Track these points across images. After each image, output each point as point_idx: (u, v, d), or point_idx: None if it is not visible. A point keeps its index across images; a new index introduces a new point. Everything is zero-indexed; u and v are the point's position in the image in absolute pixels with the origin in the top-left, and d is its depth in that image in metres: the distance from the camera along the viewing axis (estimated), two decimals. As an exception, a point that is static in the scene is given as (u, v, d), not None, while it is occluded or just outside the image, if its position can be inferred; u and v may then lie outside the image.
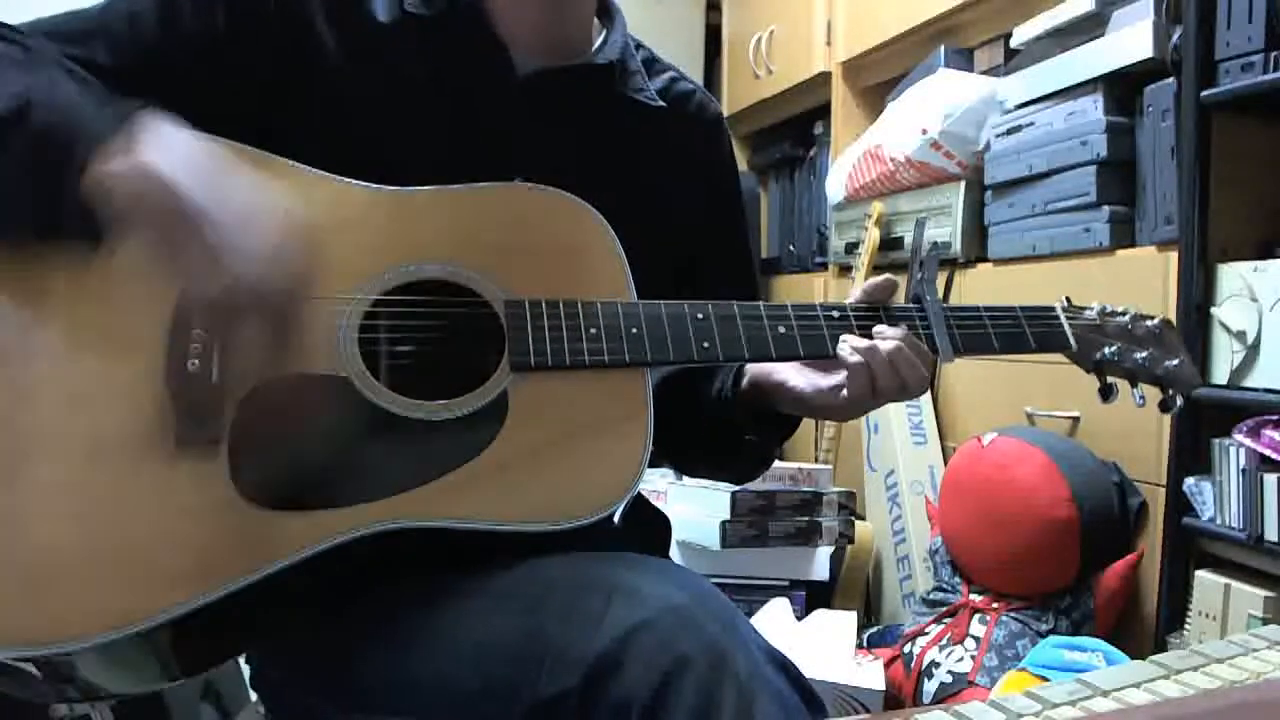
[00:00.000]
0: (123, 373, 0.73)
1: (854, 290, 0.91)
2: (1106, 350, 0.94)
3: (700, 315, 0.83)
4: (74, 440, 0.71)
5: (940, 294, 0.93)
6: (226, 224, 0.68)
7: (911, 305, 0.90)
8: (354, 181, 0.81)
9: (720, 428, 0.96)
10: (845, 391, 0.85)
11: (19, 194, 0.72)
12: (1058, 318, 0.94)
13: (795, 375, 0.90)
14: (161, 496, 0.71)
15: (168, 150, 0.70)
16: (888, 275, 0.91)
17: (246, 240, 0.68)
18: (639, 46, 1.00)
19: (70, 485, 0.70)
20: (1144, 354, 0.95)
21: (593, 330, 0.80)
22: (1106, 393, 0.94)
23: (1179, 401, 0.97)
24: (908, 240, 2.21)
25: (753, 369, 0.94)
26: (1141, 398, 0.96)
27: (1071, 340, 0.93)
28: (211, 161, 0.71)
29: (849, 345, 0.84)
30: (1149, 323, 0.98)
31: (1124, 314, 0.97)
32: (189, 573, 0.70)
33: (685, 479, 2.12)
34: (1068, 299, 0.97)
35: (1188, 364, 0.97)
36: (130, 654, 0.71)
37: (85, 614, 0.68)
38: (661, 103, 0.96)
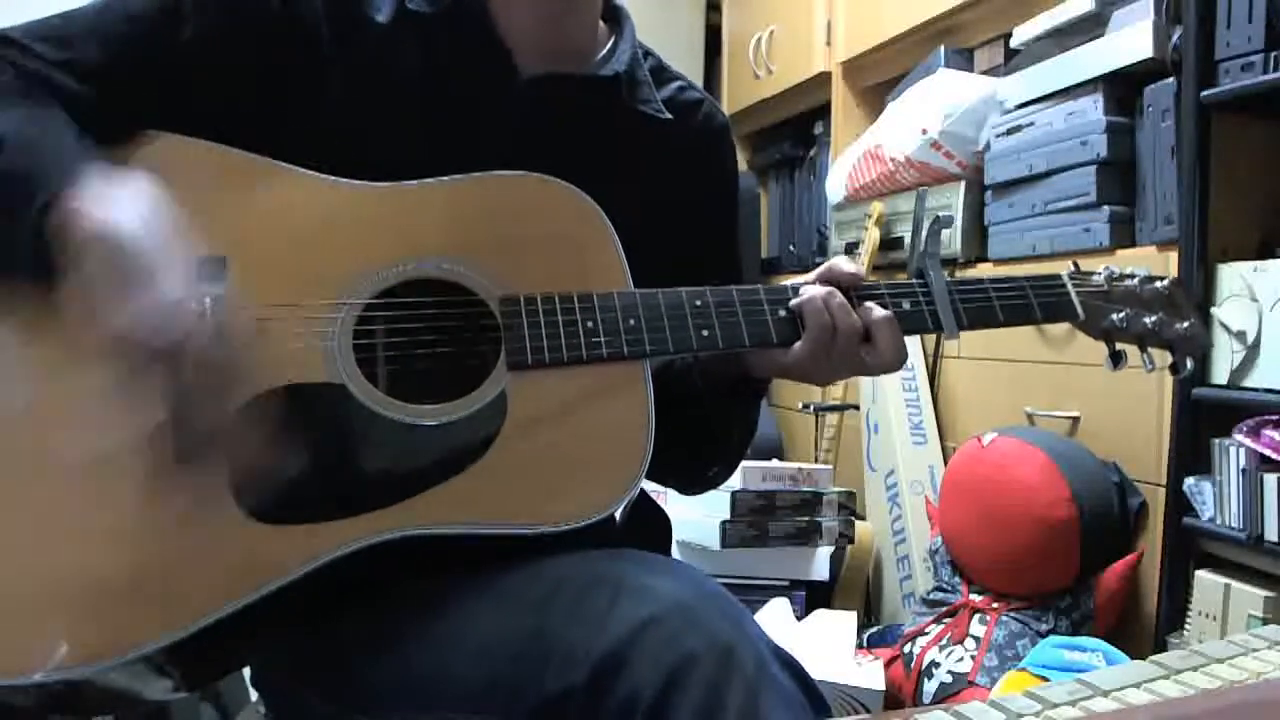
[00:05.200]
0: (118, 392, 0.71)
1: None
2: (1115, 317, 0.92)
3: (699, 302, 0.83)
4: (74, 463, 0.70)
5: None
6: (131, 274, 0.68)
7: (915, 280, 0.88)
8: (342, 180, 0.80)
9: (678, 409, 0.92)
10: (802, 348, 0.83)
11: None
12: (1064, 286, 0.92)
13: None
14: (163, 516, 0.71)
15: (122, 202, 0.70)
16: (852, 269, 0.87)
17: (143, 292, 0.67)
18: (647, 54, 0.99)
19: (70, 509, 0.70)
20: (1153, 318, 0.93)
21: (589, 324, 0.79)
22: (1116, 359, 0.92)
23: (1189, 364, 0.96)
24: (908, 240, 2.20)
25: None
26: (1151, 363, 0.94)
27: (1079, 309, 0.91)
28: (165, 209, 0.71)
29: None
30: (1158, 285, 0.95)
31: (1132, 277, 0.95)
32: (193, 593, 0.69)
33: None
34: (1075, 264, 0.95)
35: (1198, 325, 0.95)
36: (135, 672, 0.70)
37: (90, 639, 0.67)
38: (668, 114, 0.95)
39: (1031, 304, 0.90)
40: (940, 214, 2.04)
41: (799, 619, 1.87)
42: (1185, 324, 0.94)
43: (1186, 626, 1.49)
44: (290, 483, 0.74)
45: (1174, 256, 1.53)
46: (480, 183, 0.82)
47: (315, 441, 0.75)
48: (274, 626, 0.77)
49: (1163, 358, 0.96)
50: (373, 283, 0.78)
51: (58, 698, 0.70)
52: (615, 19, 0.98)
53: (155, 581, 0.69)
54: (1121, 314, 0.93)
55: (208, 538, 0.71)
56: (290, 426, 0.74)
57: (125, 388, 0.68)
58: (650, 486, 1.06)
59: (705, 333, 0.82)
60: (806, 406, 2.43)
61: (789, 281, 0.87)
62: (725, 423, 0.97)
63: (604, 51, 0.95)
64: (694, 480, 1.06)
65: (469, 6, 0.88)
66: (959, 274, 2.06)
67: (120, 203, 0.71)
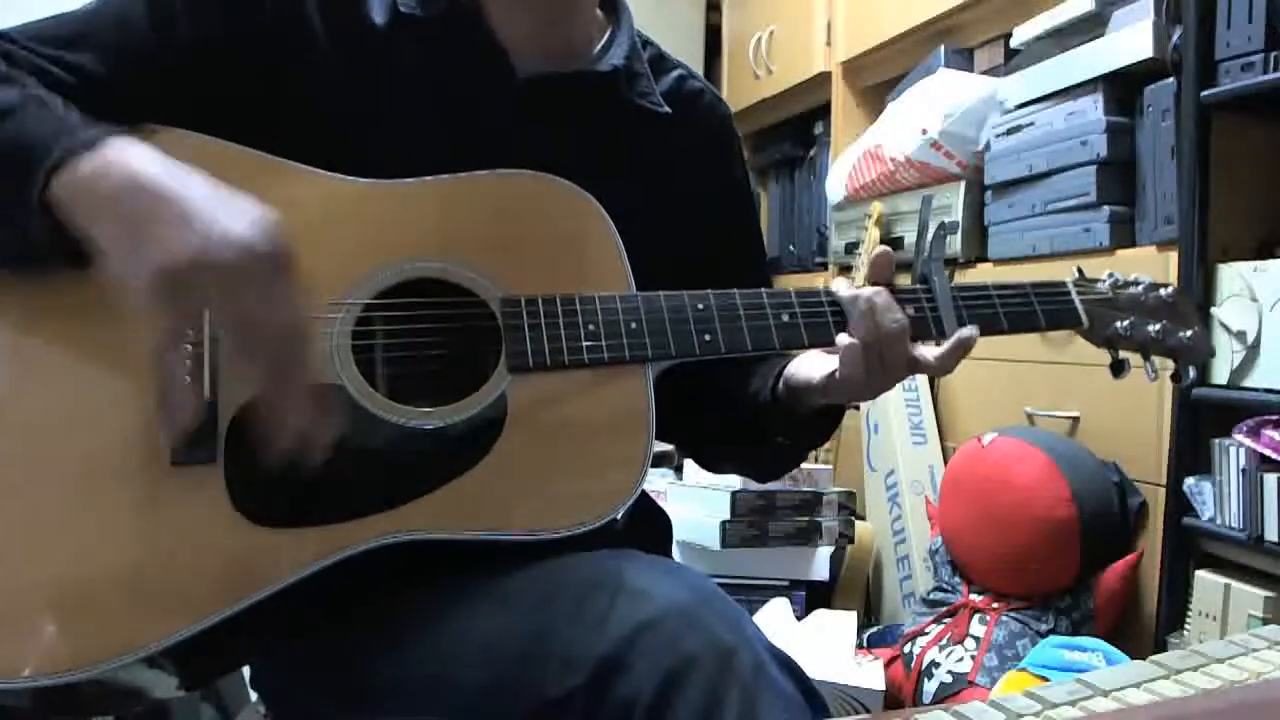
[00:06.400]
0: (113, 394, 0.72)
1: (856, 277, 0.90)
2: (1118, 325, 0.92)
3: (701, 305, 0.82)
4: (69, 466, 0.70)
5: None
6: (197, 201, 0.65)
7: (919, 285, 0.88)
8: (343, 176, 0.79)
9: (756, 431, 0.95)
10: (844, 370, 0.83)
11: None
12: (1069, 294, 0.92)
13: (814, 365, 0.88)
14: (159, 519, 0.70)
15: (134, 153, 0.68)
16: (884, 247, 0.88)
17: (220, 211, 0.65)
18: (646, 44, 0.98)
19: (67, 513, 0.70)
20: (1157, 326, 0.93)
21: (591, 327, 0.79)
22: (1119, 368, 0.92)
23: (1191, 373, 0.96)
24: (909, 241, 2.20)
25: (788, 370, 0.91)
26: (1154, 371, 0.94)
27: (1083, 317, 0.91)
28: (181, 164, 0.69)
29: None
30: (1162, 292, 0.95)
31: (1137, 284, 0.95)
32: (191, 595, 0.69)
33: (685, 479, 2.12)
34: (1080, 270, 0.95)
35: (1200, 334, 0.95)
36: (134, 673, 0.70)
37: (89, 642, 0.67)
38: (667, 108, 0.95)
39: (1036, 311, 0.90)
40: (946, 220, 2.04)
41: (799, 619, 1.86)
42: (1188, 333, 0.94)
43: (1186, 626, 1.49)
44: (288, 485, 0.73)
45: (1174, 256, 1.53)
46: (480, 181, 0.81)
47: None
48: (274, 628, 0.77)
49: (1165, 365, 0.95)
50: (372, 283, 0.78)
51: (55, 699, 0.70)
52: (613, 9, 0.97)
53: (153, 583, 0.69)
54: (1125, 321, 0.92)
55: (205, 540, 0.71)
56: None
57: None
58: (649, 486, 1.05)
59: (707, 337, 0.81)
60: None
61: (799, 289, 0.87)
62: (794, 452, 1.02)
63: (601, 44, 0.94)
64: (775, 476, 1.11)
65: (464, 9, 0.87)
66: (959, 274, 2.06)
67: (139, 154, 0.68)
